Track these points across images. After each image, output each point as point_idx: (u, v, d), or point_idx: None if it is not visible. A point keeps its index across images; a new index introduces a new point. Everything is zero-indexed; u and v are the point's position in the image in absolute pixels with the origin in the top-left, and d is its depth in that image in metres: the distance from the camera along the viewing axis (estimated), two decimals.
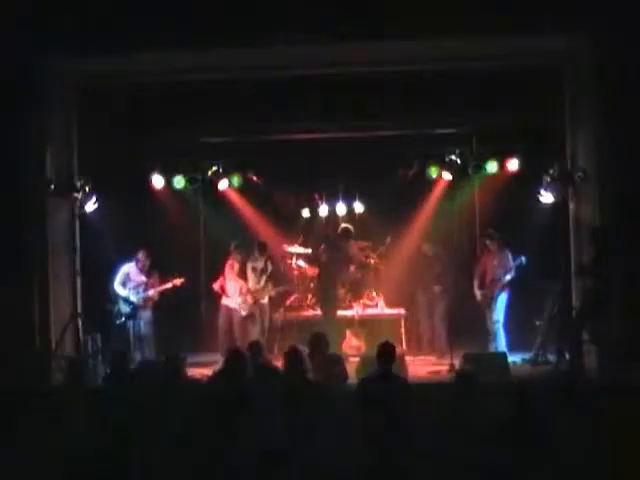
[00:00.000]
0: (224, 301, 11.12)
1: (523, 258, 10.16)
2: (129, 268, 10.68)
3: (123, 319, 10.43)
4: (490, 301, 10.48)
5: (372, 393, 6.82)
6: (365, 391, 6.88)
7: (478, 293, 10.62)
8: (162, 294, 10.76)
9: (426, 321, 11.15)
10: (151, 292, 10.67)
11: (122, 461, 6.52)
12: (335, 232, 11.46)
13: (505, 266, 10.40)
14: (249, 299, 10.94)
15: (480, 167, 11.17)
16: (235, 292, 11.02)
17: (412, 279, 11.27)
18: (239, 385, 6.90)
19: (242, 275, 11.12)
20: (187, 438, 6.73)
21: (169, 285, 10.71)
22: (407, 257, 11.44)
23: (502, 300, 10.43)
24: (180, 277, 10.74)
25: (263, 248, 11.14)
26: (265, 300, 11.15)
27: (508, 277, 10.31)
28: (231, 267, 11.12)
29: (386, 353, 6.93)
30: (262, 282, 11.02)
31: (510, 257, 10.38)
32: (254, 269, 11.07)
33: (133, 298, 10.50)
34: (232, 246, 11.17)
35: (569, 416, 7.29)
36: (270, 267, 11.14)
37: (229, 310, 11.08)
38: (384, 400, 6.71)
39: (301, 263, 11.88)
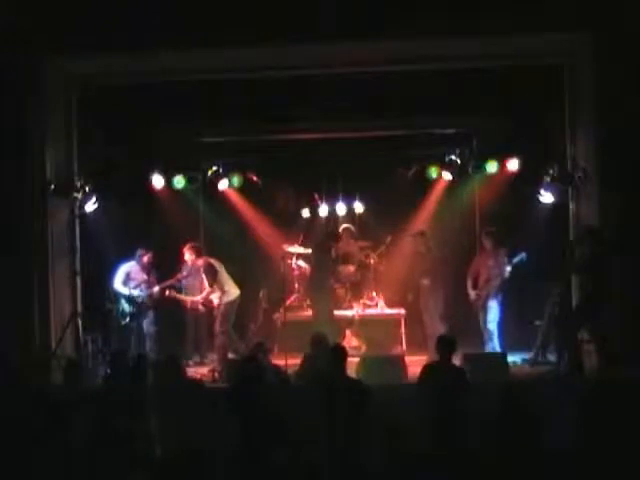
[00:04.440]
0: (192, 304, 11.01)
1: (524, 254, 10.12)
2: (130, 267, 10.65)
3: (128, 319, 10.39)
4: (484, 301, 10.48)
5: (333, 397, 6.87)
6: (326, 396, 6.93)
7: (472, 293, 10.61)
8: (164, 292, 10.76)
9: (421, 318, 11.10)
10: (155, 289, 10.65)
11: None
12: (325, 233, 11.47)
13: (501, 266, 10.41)
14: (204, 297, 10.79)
15: (480, 167, 11.17)
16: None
17: (409, 277, 11.25)
18: None
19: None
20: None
21: (173, 280, 10.69)
22: (407, 256, 11.42)
23: (497, 300, 10.44)
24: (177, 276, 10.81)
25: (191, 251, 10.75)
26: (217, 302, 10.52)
27: (505, 275, 10.32)
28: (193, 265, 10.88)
29: (338, 356, 7.08)
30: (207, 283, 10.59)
31: (505, 256, 10.41)
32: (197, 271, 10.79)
33: (136, 296, 10.48)
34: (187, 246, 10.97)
35: (569, 415, 7.31)
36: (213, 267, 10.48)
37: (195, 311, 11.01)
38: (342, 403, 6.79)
39: (301, 263, 11.87)
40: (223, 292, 10.30)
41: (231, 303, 10.38)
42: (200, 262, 10.62)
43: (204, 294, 10.63)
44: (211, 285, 10.38)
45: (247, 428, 6.67)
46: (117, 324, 10.35)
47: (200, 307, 10.81)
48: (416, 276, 10.74)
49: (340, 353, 7.15)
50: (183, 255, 10.93)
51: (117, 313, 10.37)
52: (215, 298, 10.38)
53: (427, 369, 7.48)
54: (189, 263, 10.82)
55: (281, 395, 7.21)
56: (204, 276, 10.44)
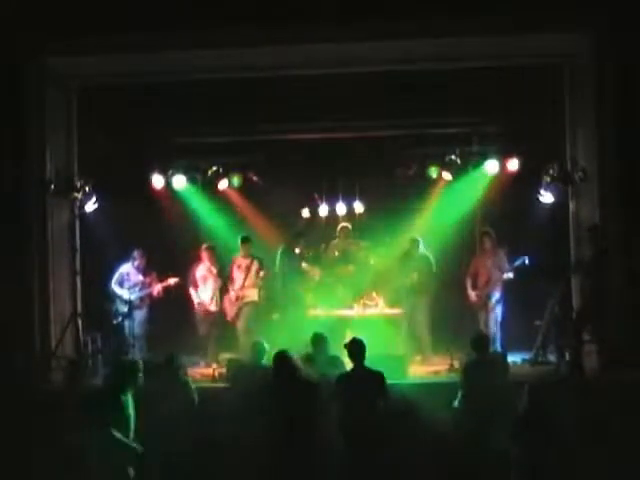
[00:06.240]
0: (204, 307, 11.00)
1: (525, 258, 10.16)
2: (127, 268, 10.69)
3: (120, 319, 10.42)
4: (485, 302, 10.51)
5: (350, 385, 7.13)
6: (343, 383, 7.19)
7: (472, 294, 10.65)
8: (161, 293, 10.76)
9: (423, 321, 11.11)
10: (150, 290, 10.68)
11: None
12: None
13: (500, 266, 10.43)
14: (232, 299, 10.82)
15: (480, 167, 11.17)
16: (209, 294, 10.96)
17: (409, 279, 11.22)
18: None
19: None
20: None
21: (165, 284, 10.73)
22: (406, 257, 11.39)
23: (497, 300, 10.45)
24: (175, 276, 10.79)
25: (245, 245, 10.87)
26: (249, 299, 10.79)
27: (505, 277, 10.34)
28: (209, 271, 10.94)
29: (356, 349, 7.28)
30: (247, 281, 10.76)
31: (504, 257, 10.42)
32: (239, 267, 10.89)
33: (131, 297, 10.48)
34: (204, 247, 11.05)
35: (570, 416, 7.32)
36: (255, 265, 10.76)
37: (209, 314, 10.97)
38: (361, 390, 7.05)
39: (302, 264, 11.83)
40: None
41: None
42: (248, 259, 10.78)
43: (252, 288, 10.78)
44: (261, 279, 10.71)
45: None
46: (112, 324, 10.40)
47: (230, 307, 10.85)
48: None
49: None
50: (199, 255, 11.00)
51: (112, 313, 10.41)
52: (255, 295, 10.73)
53: (469, 365, 7.87)
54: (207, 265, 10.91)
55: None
56: (252, 273, 10.69)
